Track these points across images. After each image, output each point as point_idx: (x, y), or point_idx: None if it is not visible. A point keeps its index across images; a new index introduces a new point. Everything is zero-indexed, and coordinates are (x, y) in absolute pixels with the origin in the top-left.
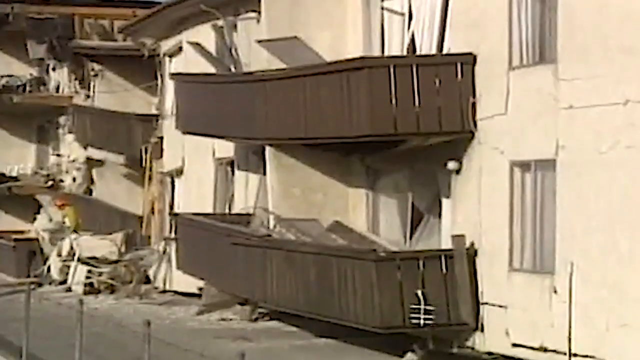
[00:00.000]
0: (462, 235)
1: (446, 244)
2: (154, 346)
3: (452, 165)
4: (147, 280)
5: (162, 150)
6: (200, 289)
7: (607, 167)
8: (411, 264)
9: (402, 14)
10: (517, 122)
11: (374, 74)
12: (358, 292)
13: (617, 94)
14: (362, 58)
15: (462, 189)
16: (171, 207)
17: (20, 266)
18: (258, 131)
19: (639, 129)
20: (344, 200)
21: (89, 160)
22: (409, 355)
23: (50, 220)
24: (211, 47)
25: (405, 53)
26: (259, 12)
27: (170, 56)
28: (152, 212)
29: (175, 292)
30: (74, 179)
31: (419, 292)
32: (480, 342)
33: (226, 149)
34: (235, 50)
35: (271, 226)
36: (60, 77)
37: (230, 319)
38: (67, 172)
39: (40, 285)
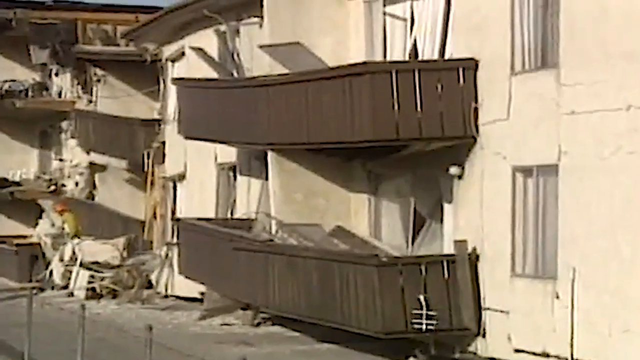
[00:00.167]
0: (464, 241)
1: (448, 249)
2: (155, 351)
3: (454, 170)
4: (149, 285)
5: (164, 155)
6: (202, 293)
7: (609, 172)
8: (413, 269)
9: (405, 20)
10: (519, 127)
11: (376, 79)
12: (360, 297)
13: (619, 100)
14: (364, 63)
15: (464, 194)
16: (173, 212)
17: (22, 271)
18: (260, 136)
19: None
20: (346, 205)
21: (91, 165)
22: None
23: (53, 225)
24: (213, 52)
25: (407, 58)
26: (262, 17)
27: (173, 61)
28: (155, 217)
29: (177, 297)
30: (77, 184)
31: (421, 297)
32: (483, 347)
33: (228, 154)
34: (238, 55)
35: (273, 231)
36: (62, 82)
37: (232, 324)
38: (69, 177)
39: (42, 290)
